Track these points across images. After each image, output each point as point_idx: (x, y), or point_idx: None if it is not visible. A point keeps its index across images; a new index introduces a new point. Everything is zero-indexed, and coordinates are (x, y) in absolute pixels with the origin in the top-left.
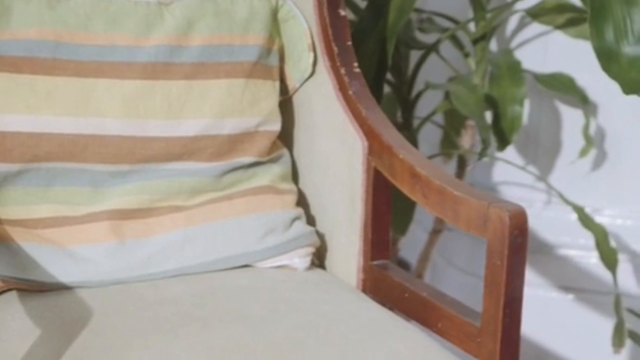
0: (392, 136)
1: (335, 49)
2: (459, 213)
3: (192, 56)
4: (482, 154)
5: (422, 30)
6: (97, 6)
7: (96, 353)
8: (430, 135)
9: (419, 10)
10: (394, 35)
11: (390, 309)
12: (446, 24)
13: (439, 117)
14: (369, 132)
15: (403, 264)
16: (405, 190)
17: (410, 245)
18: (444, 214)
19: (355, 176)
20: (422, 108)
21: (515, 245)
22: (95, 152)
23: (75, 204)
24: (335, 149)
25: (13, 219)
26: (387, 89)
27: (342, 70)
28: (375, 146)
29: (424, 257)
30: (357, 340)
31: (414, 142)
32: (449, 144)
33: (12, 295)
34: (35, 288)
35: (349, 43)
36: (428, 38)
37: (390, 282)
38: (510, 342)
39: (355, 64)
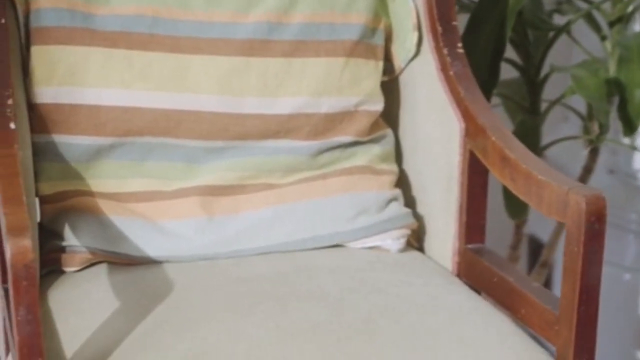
0: (488, 118)
1: (440, 28)
2: (543, 197)
3: (291, 34)
4: (598, 140)
5: (559, 12)
6: None
7: (168, 327)
8: (574, 119)
9: None
10: (513, 16)
11: (482, 294)
12: (585, 6)
13: (579, 102)
14: (465, 114)
15: (536, 247)
16: (496, 173)
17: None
18: (530, 199)
19: (453, 158)
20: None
21: (593, 232)
22: (190, 127)
23: (168, 179)
24: (436, 130)
25: (106, 192)
26: (515, 72)
27: (445, 51)
28: (471, 128)
29: (551, 245)
30: (432, 324)
31: (538, 126)
32: (588, 128)
33: (102, 268)
34: (123, 261)
35: (455, 23)
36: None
37: (482, 266)
38: (586, 330)
39: (459, 45)
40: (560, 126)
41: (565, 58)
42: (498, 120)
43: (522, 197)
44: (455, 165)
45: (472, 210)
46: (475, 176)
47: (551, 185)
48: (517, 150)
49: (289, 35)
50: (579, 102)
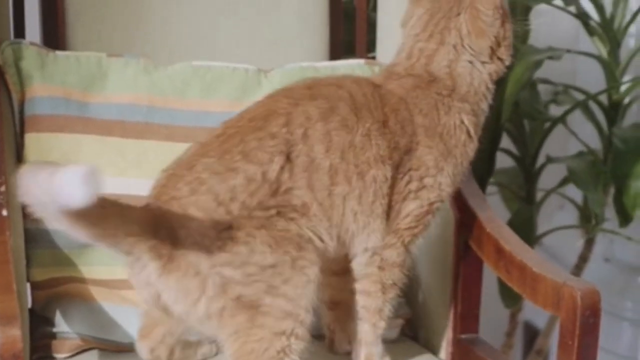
0: (483, 209)
1: None
2: (537, 290)
3: None
4: (593, 229)
5: (555, 102)
6: (195, 73)
7: None
8: (570, 207)
9: (549, 82)
10: (509, 107)
11: None
12: (582, 97)
13: (575, 191)
14: (461, 205)
15: (532, 334)
16: (491, 265)
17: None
18: (524, 291)
19: (448, 248)
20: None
21: (587, 326)
22: None
23: None
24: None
25: (97, 279)
26: (511, 162)
27: None
28: (466, 219)
29: (546, 333)
30: None
31: (533, 216)
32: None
33: (92, 355)
34: (113, 348)
35: None
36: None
37: (475, 356)
38: None
39: None
40: (556, 214)
41: (562, 148)
42: (492, 212)
43: (516, 289)
44: (450, 256)
45: (466, 300)
46: (470, 267)
47: (545, 279)
48: (512, 242)
49: None
50: (575, 191)
